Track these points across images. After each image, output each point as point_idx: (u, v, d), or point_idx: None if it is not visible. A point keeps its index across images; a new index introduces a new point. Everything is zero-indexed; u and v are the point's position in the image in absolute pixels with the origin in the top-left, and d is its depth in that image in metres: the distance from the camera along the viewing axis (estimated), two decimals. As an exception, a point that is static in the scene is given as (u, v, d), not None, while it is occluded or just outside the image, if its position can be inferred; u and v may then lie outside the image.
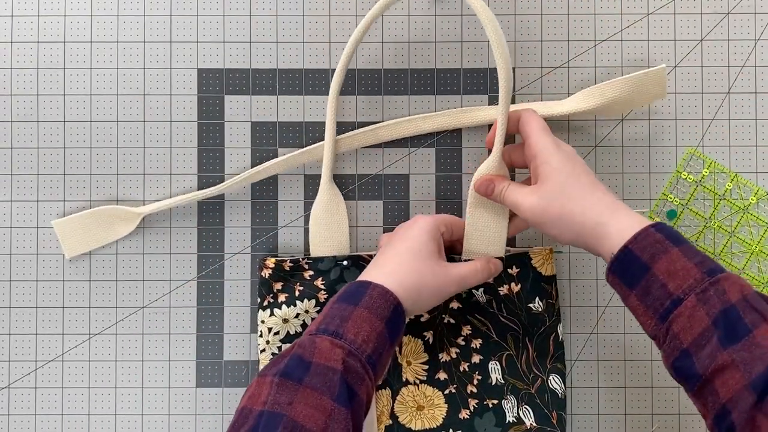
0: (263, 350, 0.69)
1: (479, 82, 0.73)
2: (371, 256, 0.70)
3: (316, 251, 0.71)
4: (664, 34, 0.73)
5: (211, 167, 0.73)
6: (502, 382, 0.69)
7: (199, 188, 0.73)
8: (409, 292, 0.61)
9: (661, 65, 0.70)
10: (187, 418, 0.73)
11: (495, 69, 0.73)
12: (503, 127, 0.65)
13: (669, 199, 0.73)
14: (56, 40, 0.73)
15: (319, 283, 0.69)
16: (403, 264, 0.62)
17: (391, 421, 0.69)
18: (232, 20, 0.73)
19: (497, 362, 0.69)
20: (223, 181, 0.73)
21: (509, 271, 0.69)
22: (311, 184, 0.73)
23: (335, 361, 0.55)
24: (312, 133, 0.73)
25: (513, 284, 0.69)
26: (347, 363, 0.55)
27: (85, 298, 0.73)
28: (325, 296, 0.69)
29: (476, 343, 0.69)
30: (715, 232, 0.73)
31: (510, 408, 0.68)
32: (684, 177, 0.73)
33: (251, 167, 0.73)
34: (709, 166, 0.73)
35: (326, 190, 0.72)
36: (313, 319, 0.69)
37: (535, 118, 0.64)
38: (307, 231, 0.73)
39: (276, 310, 0.69)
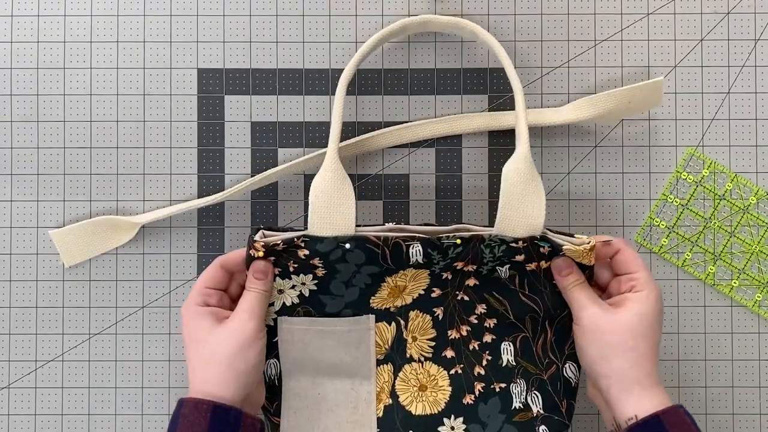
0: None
1: (479, 82, 0.73)
2: (379, 239, 0.62)
3: (315, 232, 0.63)
4: (664, 34, 0.73)
5: (211, 167, 0.73)
6: (514, 364, 0.65)
7: (199, 188, 0.73)
8: (225, 384, 0.59)
9: (659, 78, 0.70)
10: (187, 418, 0.73)
11: (495, 69, 0.73)
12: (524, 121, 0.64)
13: (669, 200, 0.73)
14: (56, 40, 0.73)
15: (316, 261, 0.62)
16: (197, 359, 0.60)
17: (390, 401, 0.65)
18: (232, 20, 0.73)
19: (511, 343, 0.65)
20: (223, 181, 0.73)
21: (541, 251, 0.63)
22: (311, 184, 0.73)
23: None
24: (312, 133, 0.73)
25: (543, 262, 0.64)
26: None
27: (85, 298, 0.73)
28: (323, 273, 0.63)
29: (490, 322, 0.66)
30: (715, 233, 0.73)
31: (518, 393, 0.65)
32: (684, 177, 0.73)
33: (251, 167, 0.73)
34: (709, 166, 0.73)
35: (331, 165, 0.64)
36: (310, 291, 0.64)
37: (637, 255, 0.63)
38: (307, 231, 0.73)
39: None
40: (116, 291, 0.73)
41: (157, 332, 0.73)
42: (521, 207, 0.63)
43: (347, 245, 0.62)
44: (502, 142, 0.73)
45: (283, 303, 0.64)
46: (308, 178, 0.73)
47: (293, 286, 0.64)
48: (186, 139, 0.73)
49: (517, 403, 0.65)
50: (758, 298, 0.73)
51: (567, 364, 0.65)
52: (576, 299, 0.62)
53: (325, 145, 0.73)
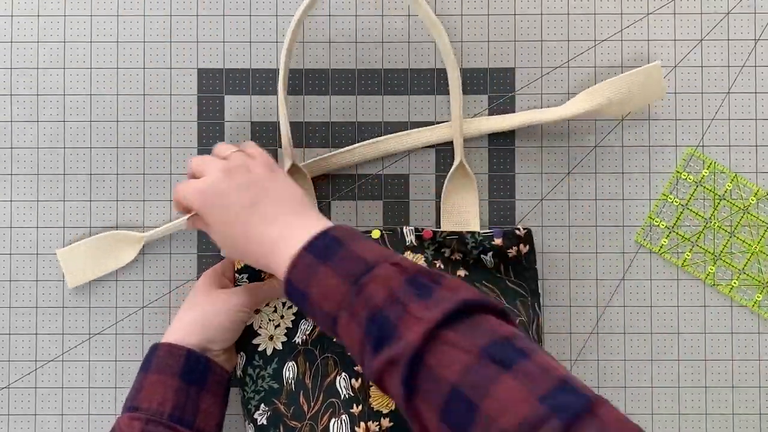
0: (278, 325, 0.68)
1: (479, 82, 0.73)
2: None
3: None
4: (664, 34, 0.73)
5: (211, 167, 0.73)
6: None
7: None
8: (192, 332, 0.64)
9: (656, 62, 0.70)
10: (187, 418, 0.73)
11: (495, 69, 0.73)
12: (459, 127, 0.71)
13: (669, 200, 0.73)
14: (56, 40, 0.73)
15: None
16: (182, 314, 0.65)
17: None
18: (232, 20, 0.73)
19: None
20: (223, 181, 0.73)
21: (516, 232, 0.68)
22: (314, 183, 0.73)
23: None
24: (312, 132, 0.73)
25: (522, 245, 0.69)
26: (146, 430, 0.59)
27: (85, 298, 0.73)
28: None
29: None
30: (715, 233, 0.73)
31: None
32: (684, 177, 0.73)
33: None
34: (709, 166, 0.73)
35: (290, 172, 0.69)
36: None
37: (178, 191, 0.64)
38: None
39: None
40: (116, 291, 0.73)
41: (157, 332, 0.73)
42: (457, 214, 0.72)
43: None
44: (502, 142, 0.73)
45: None
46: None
47: None
48: (186, 139, 0.73)
49: None
50: (758, 298, 0.72)
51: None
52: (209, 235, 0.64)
53: (326, 146, 0.73)
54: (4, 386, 0.73)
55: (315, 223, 0.58)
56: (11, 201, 0.73)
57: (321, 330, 0.60)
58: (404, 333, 0.49)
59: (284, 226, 0.58)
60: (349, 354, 0.57)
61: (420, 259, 0.69)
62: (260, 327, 0.68)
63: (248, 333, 0.68)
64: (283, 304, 0.69)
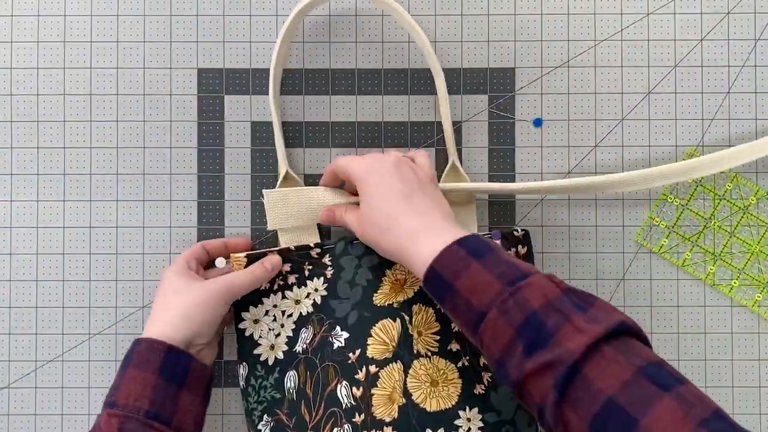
0: (278, 334, 0.68)
1: (479, 82, 0.73)
2: None
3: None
4: (664, 34, 0.73)
5: (211, 167, 0.73)
6: None
7: (199, 188, 0.73)
8: (177, 327, 0.63)
9: None
10: (187, 418, 0.73)
11: (495, 69, 0.73)
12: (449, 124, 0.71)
13: (669, 200, 0.73)
14: (56, 40, 0.73)
15: (326, 259, 0.69)
16: (161, 306, 0.65)
17: (404, 400, 0.63)
18: (232, 20, 0.73)
19: None
20: (223, 181, 0.73)
21: (515, 234, 0.68)
22: (311, 185, 0.73)
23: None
24: (313, 132, 0.73)
25: (520, 247, 0.68)
26: (123, 428, 0.59)
27: (85, 298, 0.73)
28: (331, 273, 0.68)
29: None
30: (715, 233, 0.73)
31: None
32: (684, 177, 0.73)
33: (251, 167, 0.73)
34: (709, 166, 0.73)
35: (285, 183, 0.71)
36: (322, 297, 0.68)
37: (340, 161, 0.66)
38: (307, 231, 0.73)
39: (288, 293, 0.69)
40: (116, 291, 0.73)
41: (157, 332, 0.73)
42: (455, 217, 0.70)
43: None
44: (502, 142, 0.73)
45: (300, 313, 0.68)
46: (308, 178, 0.73)
47: (308, 294, 0.68)
48: (186, 139, 0.73)
49: None
50: (758, 298, 0.73)
51: None
52: (347, 226, 0.67)
53: (326, 146, 0.73)
54: (4, 386, 0.73)
55: (461, 231, 0.60)
56: (11, 201, 0.73)
57: (460, 328, 0.59)
58: (564, 341, 0.51)
59: (432, 222, 0.61)
60: (483, 354, 0.57)
61: None
62: (261, 336, 0.68)
63: (250, 343, 0.68)
64: (283, 313, 0.69)
